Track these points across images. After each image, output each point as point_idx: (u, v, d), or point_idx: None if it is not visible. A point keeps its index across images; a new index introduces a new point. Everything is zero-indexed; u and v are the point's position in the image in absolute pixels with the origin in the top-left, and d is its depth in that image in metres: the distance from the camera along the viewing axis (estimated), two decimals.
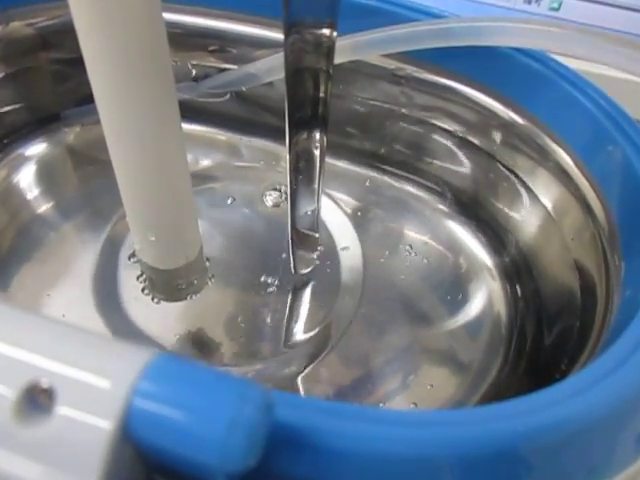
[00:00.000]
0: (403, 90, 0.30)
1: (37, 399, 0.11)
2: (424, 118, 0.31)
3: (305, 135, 0.23)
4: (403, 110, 0.31)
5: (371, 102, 0.32)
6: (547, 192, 0.27)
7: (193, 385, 0.11)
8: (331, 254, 0.30)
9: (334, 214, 0.32)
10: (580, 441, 0.14)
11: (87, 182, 0.32)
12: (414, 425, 0.13)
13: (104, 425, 0.11)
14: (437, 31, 0.25)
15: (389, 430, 0.13)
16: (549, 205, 0.27)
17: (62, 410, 0.11)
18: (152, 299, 0.27)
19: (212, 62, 0.32)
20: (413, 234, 0.32)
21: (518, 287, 0.29)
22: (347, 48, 0.27)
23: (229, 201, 0.32)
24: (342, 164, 0.34)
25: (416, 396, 0.25)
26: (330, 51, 0.20)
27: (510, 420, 0.13)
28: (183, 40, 0.32)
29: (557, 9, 0.39)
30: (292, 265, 0.28)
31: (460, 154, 0.31)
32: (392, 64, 0.30)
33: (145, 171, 0.20)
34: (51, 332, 0.12)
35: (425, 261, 0.30)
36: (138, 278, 0.27)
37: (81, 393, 0.11)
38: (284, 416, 0.12)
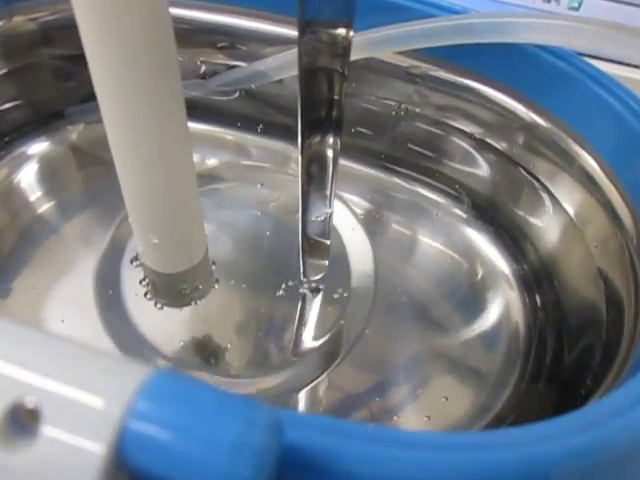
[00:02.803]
0: (418, 89, 0.30)
1: (21, 420, 0.10)
2: (440, 118, 0.30)
3: (318, 138, 0.22)
4: (417, 110, 0.30)
5: (384, 101, 0.31)
6: (570, 198, 0.26)
7: (194, 406, 0.11)
8: (342, 259, 0.29)
9: (345, 217, 0.31)
10: (620, 465, 0.13)
11: (90, 182, 0.32)
12: (429, 449, 0.12)
13: (96, 449, 0.10)
14: (455, 27, 0.24)
15: (407, 454, 0.12)
16: (572, 211, 0.26)
17: (49, 432, 0.10)
18: (155, 304, 0.26)
19: (221, 59, 0.32)
20: (427, 239, 0.31)
21: (538, 297, 0.28)
22: (361, 45, 0.26)
23: (236, 202, 0.32)
24: (354, 165, 0.33)
25: (430, 409, 0.24)
26: (346, 51, 0.20)
27: (544, 443, 0.12)
28: (191, 36, 0.31)
29: (577, 8, 0.38)
30: (302, 272, 0.27)
31: (478, 157, 0.30)
32: (406, 62, 0.29)
33: (148, 171, 0.20)
34: (37, 345, 0.11)
35: (440, 268, 0.30)
36: (141, 282, 0.26)
37: (70, 413, 0.10)
38: (294, 438, 0.12)
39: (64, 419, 0.10)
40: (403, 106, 0.31)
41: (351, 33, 0.19)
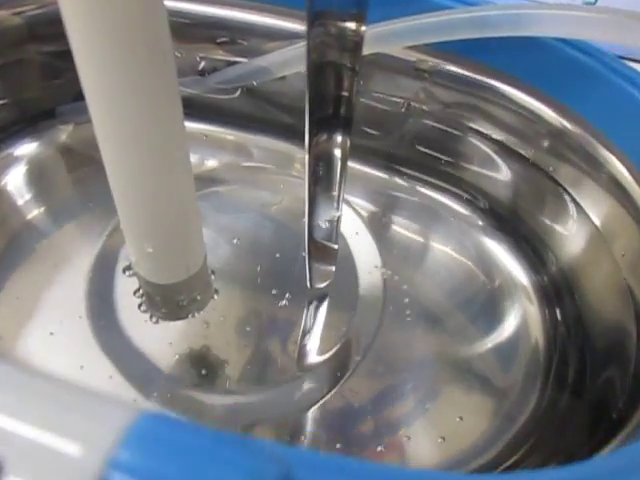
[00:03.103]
0: (427, 86, 0.28)
1: None
2: (452, 117, 0.29)
3: (326, 136, 0.21)
4: (427, 108, 0.29)
5: (391, 98, 0.30)
6: (597, 206, 0.25)
7: (186, 455, 0.10)
8: (349, 266, 0.28)
9: (352, 222, 0.30)
10: None
11: (82, 185, 0.31)
12: None
13: None
14: (470, 19, 0.24)
15: None
16: (598, 221, 0.25)
17: None
18: (150, 317, 0.25)
19: (221, 55, 0.31)
20: (440, 246, 0.30)
21: (558, 311, 0.27)
22: (369, 39, 0.25)
23: (237, 206, 0.31)
24: (360, 167, 0.32)
25: (444, 429, 0.23)
26: (357, 46, 0.19)
27: None
28: (190, 31, 0.30)
29: (593, 3, 0.36)
30: (308, 279, 0.26)
31: (496, 159, 0.29)
32: (414, 56, 0.28)
33: (141, 175, 0.18)
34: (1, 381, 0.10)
35: (453, 277, 0.28)
36: (135, 293, 0.25)
37: (40, 463, 0.09)
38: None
39: (32, 470, 0.09)
40: (412, 104, 0.29)
41: (363, 27, 0.18)
